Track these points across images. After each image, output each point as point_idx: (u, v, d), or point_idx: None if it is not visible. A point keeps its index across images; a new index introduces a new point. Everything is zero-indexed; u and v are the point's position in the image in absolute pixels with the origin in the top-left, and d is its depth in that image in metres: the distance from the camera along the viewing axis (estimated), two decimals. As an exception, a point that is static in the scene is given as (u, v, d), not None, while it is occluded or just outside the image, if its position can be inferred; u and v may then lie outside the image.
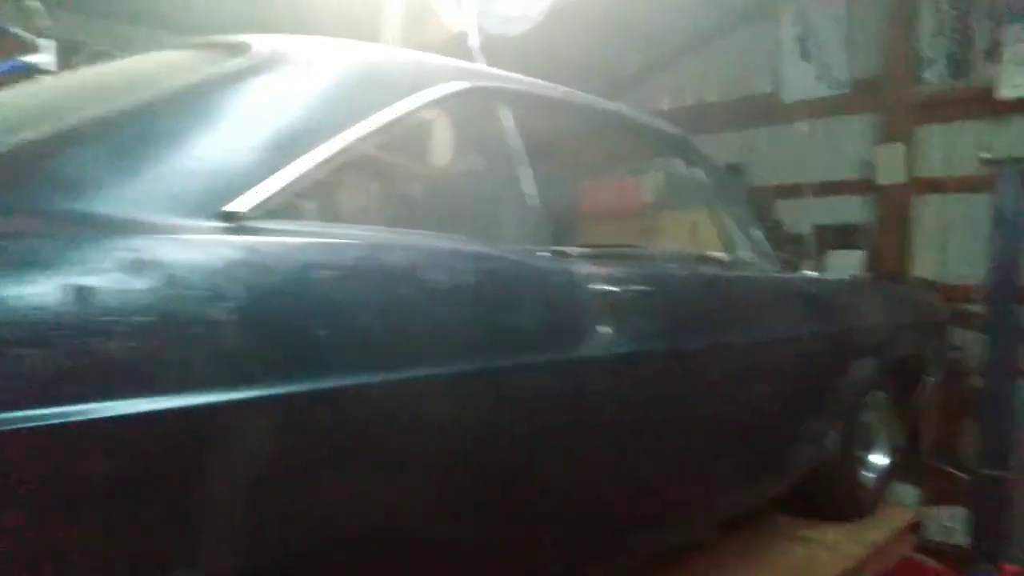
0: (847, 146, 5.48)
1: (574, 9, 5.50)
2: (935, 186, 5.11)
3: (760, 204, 5.77)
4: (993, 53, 4.77)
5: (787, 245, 5.53)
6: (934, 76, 5.04)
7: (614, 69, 6.74)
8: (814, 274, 2.85)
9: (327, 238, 1.22)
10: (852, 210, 5.47)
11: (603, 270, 1.75)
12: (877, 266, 5.19)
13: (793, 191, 5.72)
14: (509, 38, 5.96)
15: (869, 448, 3.43)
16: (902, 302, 3.51)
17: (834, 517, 3.18)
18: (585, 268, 1.71)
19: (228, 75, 1.34)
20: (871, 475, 3.40)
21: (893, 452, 3.52)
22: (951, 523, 3.55)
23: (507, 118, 1.72)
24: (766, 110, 5.81)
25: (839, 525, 3.15)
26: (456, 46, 4.26)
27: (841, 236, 5.32)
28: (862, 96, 5.33)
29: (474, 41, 4.38)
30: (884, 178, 5.16)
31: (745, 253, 2.53)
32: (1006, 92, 4.64)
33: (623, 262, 1.85)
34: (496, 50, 6.03)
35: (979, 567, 3.04)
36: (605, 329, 1.67)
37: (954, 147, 5.03)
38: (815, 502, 3.23)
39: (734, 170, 5.83)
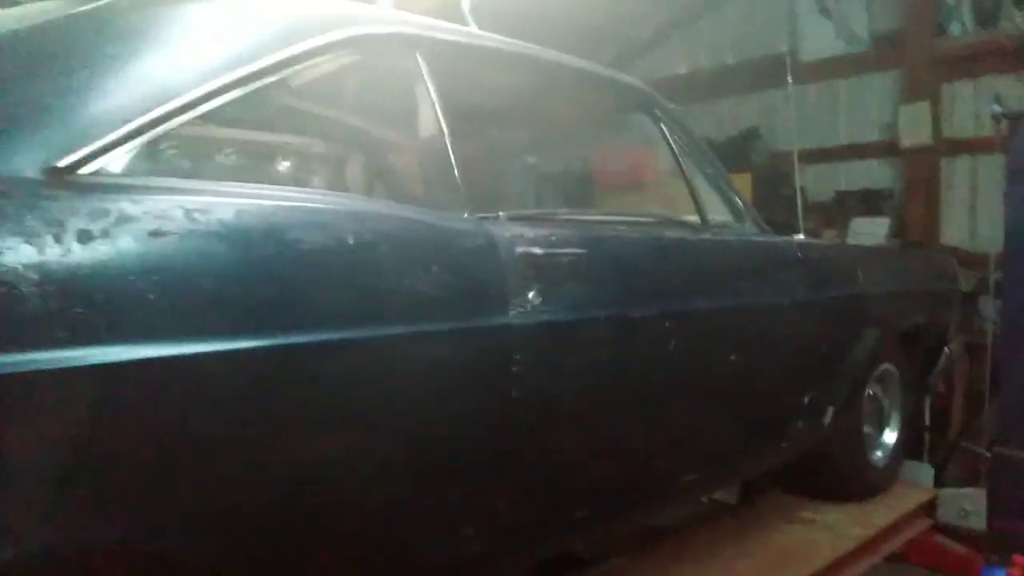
0: (870, 107, 5.19)
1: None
2: (964, 147, 4.80)
3: (781, 170, 5.52)
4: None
5: (809, 213, 5.28)
6: (960, 27, 4.71)
7: (627, 34, 6.51)
8: (806, 239, 2.64)
9: (164, 194, 1.09)
10: (877, 175, 5.19)
11: (533, 234, 1.60)
12: (903, 233, 4.91)
13: (816, 156, 5.44)
14: (520, 4, 5.80)
15: (880, 424, 3.23)
16: (912, 269, 3.28)
17: (840, 497, 3.00)
18: (510, 232, 1.56)
19: (77, 15, 1.22)
20: (881, 454, 3.20)
21: (907, 429, 3.30)
22: (970, 506, 3.32)
23: (425, 70, 1.58)
24: (784, 70, 5.51)
25: (844, 506, 2.97)
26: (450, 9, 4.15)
27: (865, 202, 5.05)
28: (884, 52, 5.03)
29: (465, 3, 4.23)
30: (908, 140, 4.86)
31: (722, 216, 2.35)
32: (1036, 42, 4.32)
33: (560, 226, 1.69)
34: (507, 17, 5.87)
35: (989, 558, 2.82)
36: (532, 296, 1.53)
37: (983, 105, 4.71)
38: (818, 481, 3.05)
39: (752, 135, 5.57)
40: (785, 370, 2.38)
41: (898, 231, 4.92)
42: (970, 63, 4.70)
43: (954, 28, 4.74)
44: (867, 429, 3.12)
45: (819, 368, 2.54)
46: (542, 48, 1.99)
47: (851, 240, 4.90)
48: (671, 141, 2.23)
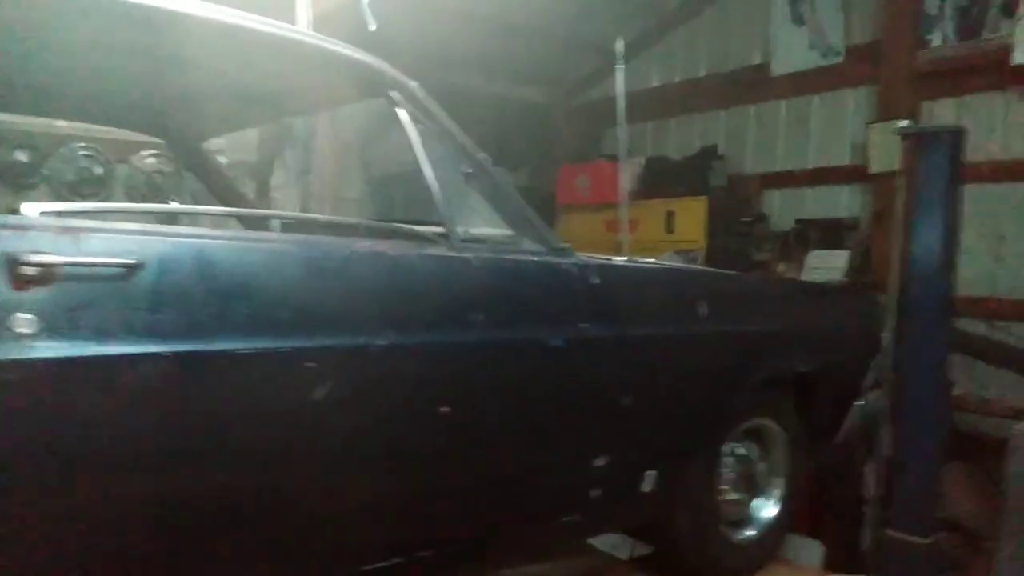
0: (844, 126, 4.62)
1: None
2: (943, 174, 4.19)
3: (741, 195, 5.01)
4: (1010, 7, 3.84)
5: (765, 243, 4.75)
6: (941, 38, 4.13)
7: (603, 44, 6.07)
8: (622, 262, 2.15)
9: None
10: (848, 202, 4.61)
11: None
12: (867, 270, 4.32)
13: (781, 179, 4.89)
14: (490, 12, 5.46)
15: (752, 493, 2.71)
16: (805, 305, 2.74)
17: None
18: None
19: None
20: (752, 530, 2.68)
21: (788, 498, 2.76)
22: (856, 597, 2.76)
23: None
24: (754, 85, 5.01)
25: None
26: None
27: (827, 233, 4.47)
28: (859, 65, 4.46)
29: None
30: (878, 164, 4.27)
31: (490, 230, 1.90)
32: (1021, 56, 3.71)
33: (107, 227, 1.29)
34: (474, 21, 5.53)
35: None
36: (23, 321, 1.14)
37: (967, 126, 4.10)
38: (664, 559, 2.56)
39: (710, 154, 5.06)
40: (555, 425, 1.91)
41: (861, 267, 4.32)
42: (953, 79, 4.11)
43: (935, 39, 4.16)
44: (733, 497, 2.61)
45: (622, 423, 2.06)
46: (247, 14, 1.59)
47: (806, 276, 4.33)
48: (413, 132, 1.80)
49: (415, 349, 1.59)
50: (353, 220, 2.06)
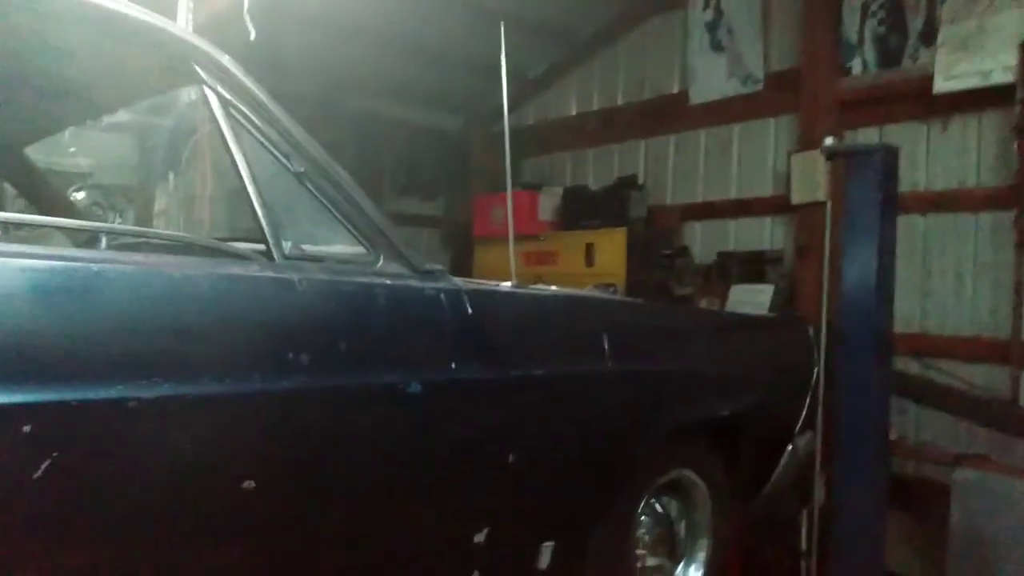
0: (767, 155, 4.43)
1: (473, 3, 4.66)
2: (867, 206, 4.01)
3: (662, 226, 4.76)
4: (929, 35, 3.71)
5: (686, 276, 4.48)
6: (862, 66, 3.98)
7: (520, 71, 5.83)
8: (508, 287, 1.79)
9: None
10: (771, 234, 4.39)
11: None
12: (792, 306, 4.09)
13: (703, 210, 4.67)
14: (408, 33, 5.14)
15: (674, 556, 2.36)
16: (728, 338, 2.44)
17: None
18: None
19: None
20: (669, 598, 2.32)
21: (715, 559, 2.42)
22: None
23: None
24: (673, 114, 4.80)
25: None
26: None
27: (749, 266, 4.23)
28: (780, 93, 4.29)
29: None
30: (799, 195, 4.08)
31: (335, 248, 1.52)
32: (941, 84, 3.57)
33: None
34: (386, 52, 5.20)
35: None
36: None
37: (889, 156, 3.95)
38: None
39: (629, 184, 4.81)
40: (415, 495, 1.51)
41: (785, 302, 4.08)
42: (875, 107, 3.95)
43: (855, 66, 4.01)
44: (652, 563, 2.25)
45: (507, 487, 1.68)
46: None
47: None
48: (225, 122, 1.41)
49: (197, 400, 1.18)
50: (176, 234, 1.66)
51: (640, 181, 4.89)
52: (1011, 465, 3.12)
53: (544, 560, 1.79)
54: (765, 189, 4.40)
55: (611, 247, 4.71)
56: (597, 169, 5.31)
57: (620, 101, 5.19)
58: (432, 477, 1.52)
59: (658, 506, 2.31)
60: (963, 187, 3.69)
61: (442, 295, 1.56)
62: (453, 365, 1.52)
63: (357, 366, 1.38)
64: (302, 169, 1.48)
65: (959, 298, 3.68)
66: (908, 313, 3.84)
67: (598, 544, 1.99)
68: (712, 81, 4.57)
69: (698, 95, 4.65)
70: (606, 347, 1.88)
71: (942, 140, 3.75)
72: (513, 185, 5.61)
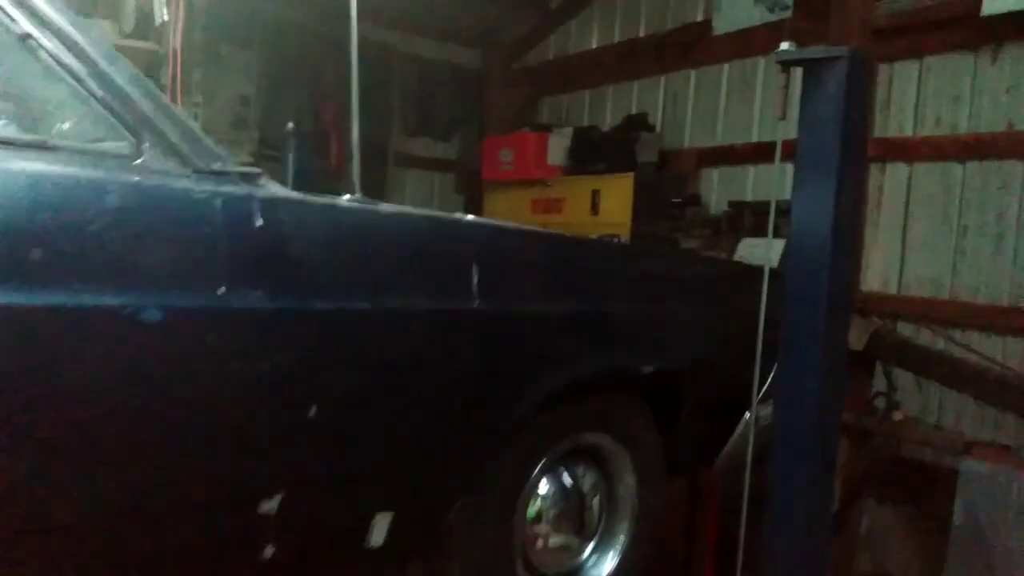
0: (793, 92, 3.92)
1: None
2: (899, 151, 3.50)
3: (674, 172, 4.33)
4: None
5: (696, 228, 4.06)
6: (902, -12, 3.44)
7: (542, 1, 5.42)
8: (307, 198, 1.44)
9: None
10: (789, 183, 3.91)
11: None
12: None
13: (719, 155, 4.21)
14: None
15: (585, 533, 2.04)
16: (659, 280, 2.04)
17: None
18: None
19: None
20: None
21: (639, 542, 2.09)
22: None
23: None
24: (695, 46, 4.32)
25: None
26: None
27: (763, 218, 3.76)
28: (808, 22, 3.76)
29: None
30: (824, 136, 3.58)
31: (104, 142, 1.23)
32: (991, 5, 3.01)
33: None
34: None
35: None
36: None
37: (929, 92, 3.42)
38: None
39: (638, 123, 4.37)
40: (158, 452, 1.23)
41: (802, 259, 3.62)
42: (914, 36, 3.42)
43: (896, -11, 3.46)
44: (557, 542, 1.95)
45: (306, 445, 1.38)
46: None
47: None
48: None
49: None
50: None
51: (654, 122, 4.44)
52: (1033, 457, 2.66)
53: (377, 536, 1.50)
54: (789, 131, 3.90)
55: (617, 194, 4.31)
56: (616, 108, 4.87)
57: (642, 32, 4.72)
58: (184, 431, 1.23)
59: (566, 476, 1.98)
60: (1014, 129, 3.14)
61: (219, 201, 1.25)
62: (221, 290, 1.23)
63: (73, 282, 1.10)
64: (31, 32, 1.18)
65: (997, 261, 3.16)
66: (936, 276, 3.35)
67: (465, 519, 1.69)
68: (738, 7, 4.06)
69: (722, 24, 4.15)
70: (475, 282, 1.54)
71: (992, 73, 3.20)
72: (526, 126, 5.25)
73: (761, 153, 4.00)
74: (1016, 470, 2.40)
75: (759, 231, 3.76)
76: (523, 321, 1.62)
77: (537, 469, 1.84)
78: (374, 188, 5.22)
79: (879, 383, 3.31)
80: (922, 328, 3.35)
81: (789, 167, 3.86)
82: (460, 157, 5.69)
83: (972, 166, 3.26)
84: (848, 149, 1.77)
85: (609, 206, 4.39)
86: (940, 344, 3.26)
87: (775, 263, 3.59)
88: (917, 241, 3.44)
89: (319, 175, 4.28)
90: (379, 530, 1.50)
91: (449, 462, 1.59)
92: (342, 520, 1.47)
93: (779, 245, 3.66)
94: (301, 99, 4.98)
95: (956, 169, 3.29)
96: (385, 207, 1.51)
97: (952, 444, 2.78)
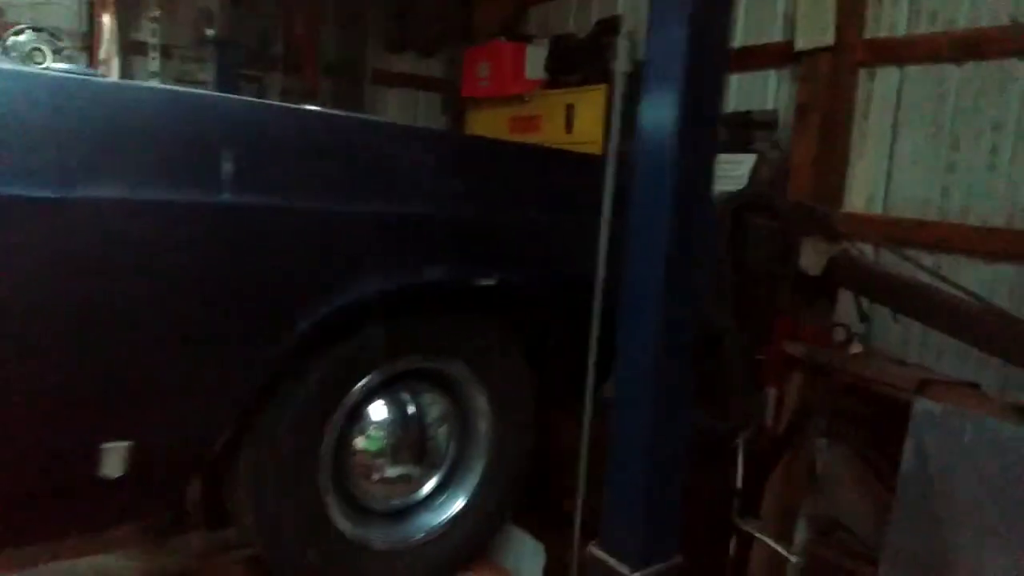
0: (779, -8, 3.49)
1: None
2: (890, 53, 3.06)
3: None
4: None
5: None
6: None
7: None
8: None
9: None
10: (776, 93, 3.50)
11: None
12: (783, 183, 3.26)
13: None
14: None
15: (430, 465, 1.83)
16: (479, 177, 1.71)
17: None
18: None
19: None
20: (418, 522, 1.81)
21: (496, 480, 1.87)
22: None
23: None
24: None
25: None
26: None
27: (739, 133, 3.39)
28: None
29: None
30: (805, 37, 3.17)
31: None
32: None
33: None
34: None
35: None
36: None
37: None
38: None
39: (610, 28, 3.97)
40: None
41: (774, 178, 3.25)
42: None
43: None
44: (394, 473, 1.75)
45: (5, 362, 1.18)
46: None
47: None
48: None
49: None
50: None
51: (632, 26, 4.03)
52: (998, 399, 2.31)
53: (112, 466, 1.29)
54: (774, 34, 3.48)
55: (589, 109, 3.96)
56: (602, 14, 4.46)
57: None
58: None
59: (410, 406, 1.75)
60: (1019, 21, 2.69)
61: None
62: None
63: None
64: None
65: (991, 175, 2.75)
66: (923, 194, 2.95)
67: (252, 452, 1.48)
68: None
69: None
70: (226, 170, 1.29)
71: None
72: (508, 36, 4.86)
73: (743, 60, 3.59)
74: (969, 411, 2.07)
75: (737, 147, 3.39)
76: (292, 220, 1.36)
77: (356, 395, 1.61)
78: (349, 108, 4.97)
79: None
80: (906, 252, 2.97)
81: (774, 73, 3.48)
82: (446, 75, 5.36)
83: (969, 68, 2.82)
84: (703, 35, 1.41)
85: (583, 124, 4.06)
86: (918, 272, 2.88)
87: (744, 181, 3.26)
88: (905, 155, 3.03)
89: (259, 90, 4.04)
90: (111, 460, 1.30)
91: (196, 389, 1.36)
92: (55, 451, 1.27)
93: (748, 160, 3.31)
94: (268, 15, 4.72)
95: (951, 72, 2.86)
96: (106, 80, 1.26)
97: (904, 382, 2.43)
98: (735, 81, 3.64)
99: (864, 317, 2.88)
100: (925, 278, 2.67)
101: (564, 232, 1.78)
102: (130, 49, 4.29)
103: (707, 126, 1.49)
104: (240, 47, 3.47)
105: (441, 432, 1.79)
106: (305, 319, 1.40)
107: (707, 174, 1.50)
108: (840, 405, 2.74)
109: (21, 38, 3.62)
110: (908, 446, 2.34)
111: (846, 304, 2.98)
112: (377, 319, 1.54)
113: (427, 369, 1.74)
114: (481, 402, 1.80)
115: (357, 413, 1.67)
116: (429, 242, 1.54)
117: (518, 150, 2.06)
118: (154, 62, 4.25)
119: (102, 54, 4.15)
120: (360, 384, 1.61)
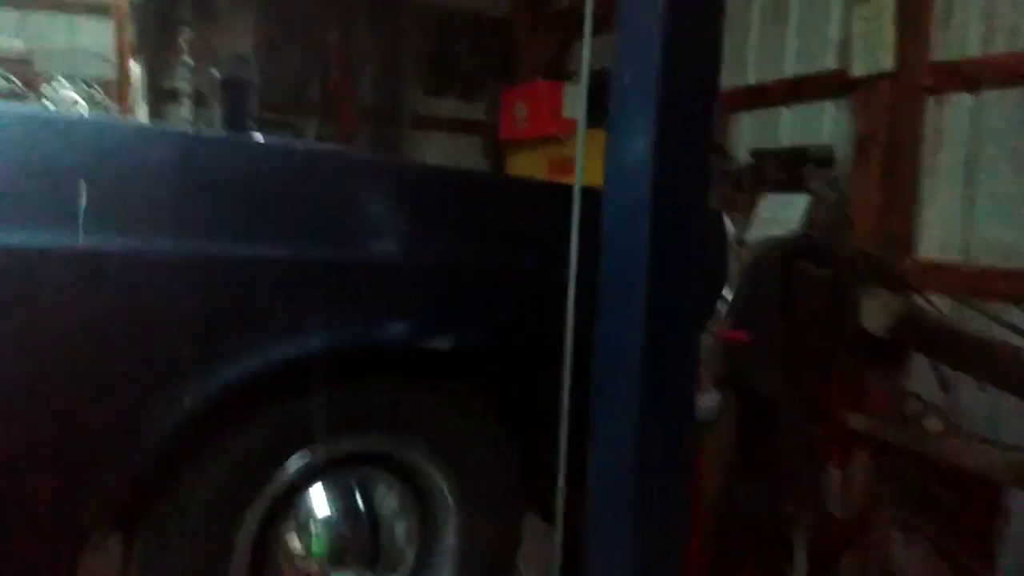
0: (829, 12, 3.14)
1: None
2: (967, 79, 2.66)
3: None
4: None
5: (718, 183, 3.36)
6: None
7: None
8: None
9: None
10: (831, 126, 3.14)
11: None
12: (842, 228, 2.87)
13: (752, 97, 3.47)
14: None
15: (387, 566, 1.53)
16: (439, 212, 1.42)
17: None
18: None
19: None
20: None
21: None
22: None
23: None
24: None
25: None
26: None
27: (789, 169, 3.03)
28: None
29: None
30: (862, 64, 2.81)
31: None
32: None
33: None
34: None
35: None
36: None
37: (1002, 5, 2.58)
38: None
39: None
40: None
41: (837, 220, 2.87)
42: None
43: None
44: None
45: None
46: None
47: (755, 232, 2.94)
48: None
49: None
50: None
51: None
52: None
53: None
54: (827, 62, 3.13)
55: (629, 148, 3.66)
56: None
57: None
58: None
59: (357, 496, 1.45)
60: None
61: None
62: None
63: None
64: None
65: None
66: (1009, 238, 2.53)
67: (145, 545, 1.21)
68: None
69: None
70: (80, 205, 1.05)
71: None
72: (549, 75, 4.63)
73: (794, 91, 3.24)
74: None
75: (788, 185, 3.03)
76: (166, 269, 1.10)
77: (283, 482, 1.32)
78: (387, 153, 4.82)
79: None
80: (990, 307, 2.54)
81: (827, 105, 3.13)
82: (488, 117, 5.16)
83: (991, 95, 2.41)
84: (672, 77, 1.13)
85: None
86: (1005, 333, 2.44)
87: (795, 224, 2.89)
88: (986, 193, 2.61)
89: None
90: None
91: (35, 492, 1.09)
92: None
93: (802, 201, 2.95)
94: (304, 60, 4.64)
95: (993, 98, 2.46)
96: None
97: (997, 468, 2.01)
98: (786, 115, 3.29)
99: (945, 386, 2.46)
100: (1014, 339, 2.23)
101: (545, 278, 1.47)
102: (163, 96, 4.25)
103: (688, 166, 1.19)
104: (252, 87, 3.36)
105: (399, 529, 1.49)
106: (191, 395, 1.13)
107: (689, 219, 1.19)
108: (917, 492, 2.32)
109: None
110: (1008, 543, 1.93)
111: (920, 369, 2.56)
112: (297, 390, 1.26)
113: (379, 452, 1.45)
114: (443, 491, 1.49)
115: (288, 503, 1.38)
116: (355, 295, 1.25)
117: (484, 181, 1.78)
118: (185, 109, 4.19)
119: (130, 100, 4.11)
120: (288, 469, 1.33)
